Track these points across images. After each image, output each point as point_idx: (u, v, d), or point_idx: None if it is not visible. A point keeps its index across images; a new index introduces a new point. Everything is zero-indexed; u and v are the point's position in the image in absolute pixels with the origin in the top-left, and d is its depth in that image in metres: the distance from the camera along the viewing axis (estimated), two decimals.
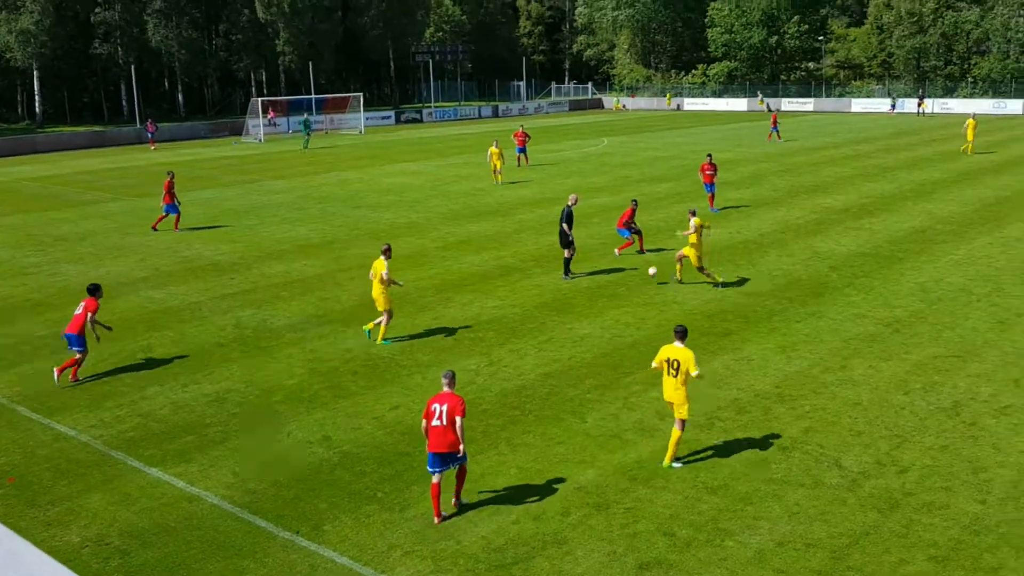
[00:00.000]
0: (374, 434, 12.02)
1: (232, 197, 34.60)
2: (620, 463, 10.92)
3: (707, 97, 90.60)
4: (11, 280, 21.68)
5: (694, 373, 10.43)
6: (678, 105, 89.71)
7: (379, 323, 15.71)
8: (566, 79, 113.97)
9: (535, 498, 10.13)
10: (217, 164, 47.37)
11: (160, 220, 27.66)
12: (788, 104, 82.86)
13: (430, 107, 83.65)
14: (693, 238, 18.49)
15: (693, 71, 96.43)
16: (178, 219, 27.76)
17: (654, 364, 10.91)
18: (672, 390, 10.62)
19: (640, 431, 11.87)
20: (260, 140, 60.84)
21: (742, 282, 19.39)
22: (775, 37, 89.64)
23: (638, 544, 9.10)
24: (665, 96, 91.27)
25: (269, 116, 66.52)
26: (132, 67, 72.28)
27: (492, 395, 13.23)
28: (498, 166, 35.18)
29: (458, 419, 9.37)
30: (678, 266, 19.35)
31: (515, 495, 10.24)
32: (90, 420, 12.81)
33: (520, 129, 38.71)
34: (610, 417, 12.32)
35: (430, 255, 23.03)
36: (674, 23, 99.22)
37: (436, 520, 9.64)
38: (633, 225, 22.02)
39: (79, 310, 14.37)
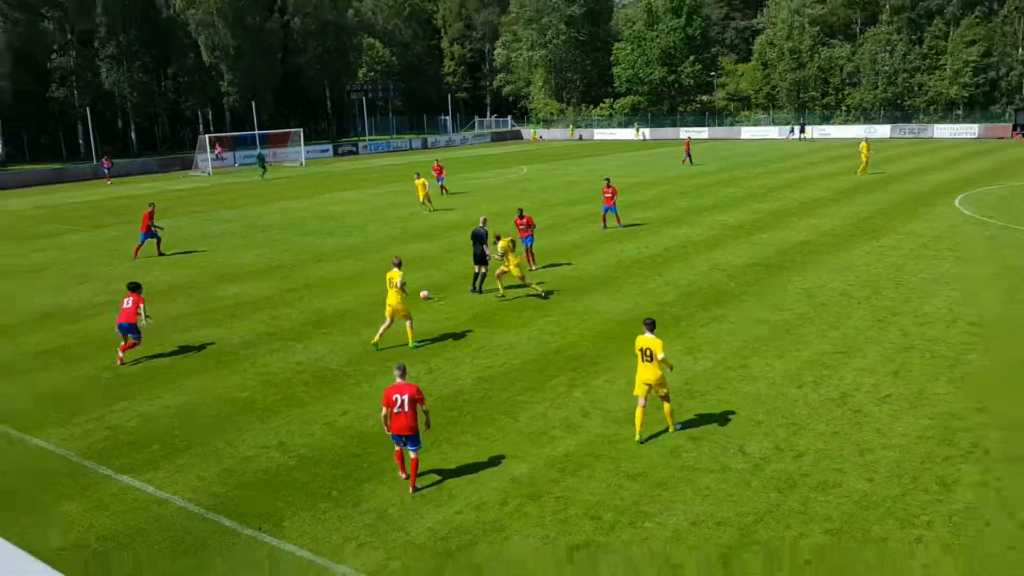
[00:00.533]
0: (326, 438, 11.85)
1: (185, 227, 33.69)
2: (550, 456, 10.99)
3: (614, 128, 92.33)
4: None
5: (660, 356, 11.05)
6: (580, 136, 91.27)
7: (388, 327, 15.52)
8: (488, 113, 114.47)
9: (475, 490, 10.12)
10: (169, 196, 46.06)
11: (138, 248, 27.21)
12: (685, 132, 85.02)
13: (365, 140, 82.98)
14: (511, 260, 18.96)
15: (601, 104, 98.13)
16: (159, 243, 27.56)
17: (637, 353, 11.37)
18: (650, 373, 11.16)
19: (566, 427, 11.96)
20: (208, 173, 59.45)
21: (550, 295, 19.62)
22: (673, 74, 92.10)
23: (569, 528, 9.17)
24: (569, 128, 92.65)
25: (216, 151, 65.05)
26: (87, 108, 70.00)
27: (432, 399, 13.14)
28: (423, 196, 34.58)
29: (419, 407, 10.01)
30: (499, 283, 19.68)
31: (457, 488, 10.21)
32: (62, 434, 12.37)
33: (436, 163, 38.22)
34: (539, 416, 12.38)
35: (371, 275, 22.80)
36: (583, 62, 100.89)
37: (401, 474, 10.40)
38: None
39: (128, 304, 15.71)
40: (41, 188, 54.93)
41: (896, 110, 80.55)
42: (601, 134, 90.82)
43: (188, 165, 63.29)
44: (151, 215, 27.54)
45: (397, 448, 10.35)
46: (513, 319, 17.74)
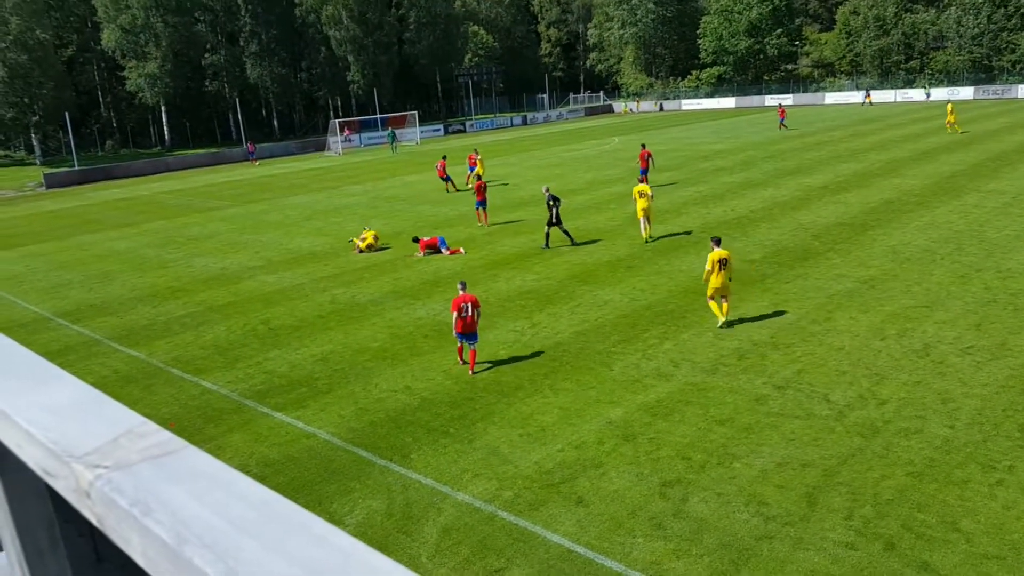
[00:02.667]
0: (443, 383, 12.16)
1: (320, 200, 34.94)
2: (642, 402, 10.90)
3: (701, 98, 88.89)
4: (156, 272, 22.25)
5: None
6: (630, 108, 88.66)
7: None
8: (581, 89, 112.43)
9: (575, 431, 10.17)
10: (306, 175, 47.80)
11: (451, 184, 32.97)
12: (771, 100, 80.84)
13: (472, 119, 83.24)
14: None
15: (688, 76, 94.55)
16: (453, 183, 33.14)
17: (708, 267, 13.03)
18: (723, 282, 13.06)
19: (657, 376, 11.81)
20: (339, 153, 61.18)
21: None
22: (758, 45, 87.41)
23: (661, 467, 9.09)
24: (630, 104, 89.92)
25: (345, 134, 66.78)
26: (236, 99, 73.27)
27: (535, 350, 13.27)
28: (480, 172, 32.50)
29: (477, 310, 11.99)
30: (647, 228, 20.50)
31: (559, 429, 10.29)
32: (227, 377, 13.20)
33: (474, 152, 36.54)
34: (632, 366, 12.27)
35: (478, 240, 23.06)
36: (671, 37, 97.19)
37: (459, 362, 12.45)
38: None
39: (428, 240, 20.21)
40: (201, 169, 58.06)
41: (981, 71, 73.85)
42: (688, 104, 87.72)
43: (322, 147, 65.34)
44: (444, 165, 33.53)
45: (459, 344, 12.39)
46: (607, 277, 17.61)
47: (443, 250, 21.18)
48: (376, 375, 12.75)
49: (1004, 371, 10.98)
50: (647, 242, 20.41)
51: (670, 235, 21.59)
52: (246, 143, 62.75)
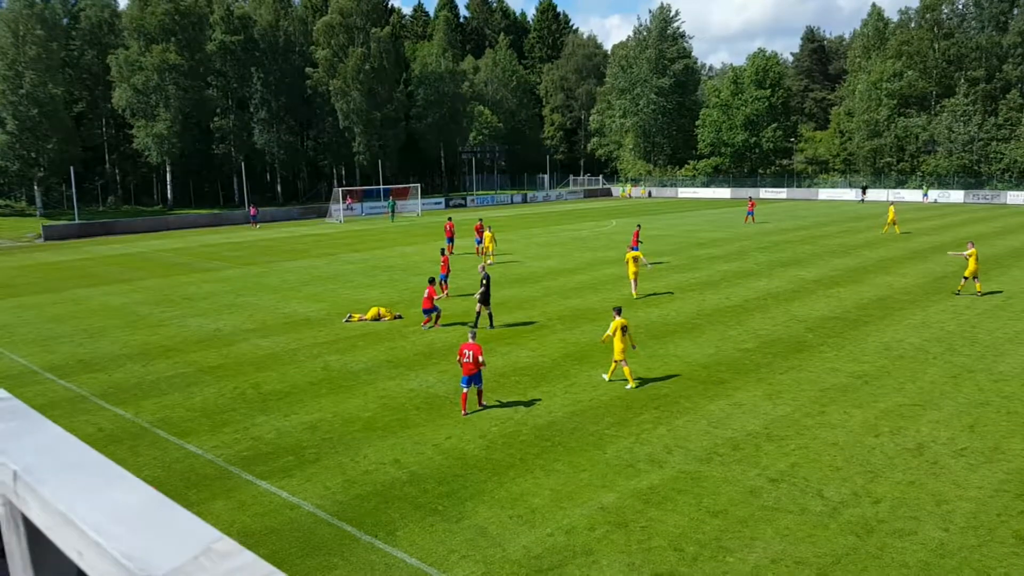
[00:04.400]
0: (434, 458, 12.03)
1: (320, 266, 35.23)
2: (635, 488, 10.79)
3: (697, 187, 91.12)
4: (149, 329, 22.21)
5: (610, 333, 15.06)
6: (650, 192, 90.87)
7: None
8: (581, 172, 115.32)
9: (565, 515, 10.03)
10: (306, 240, 48.32)
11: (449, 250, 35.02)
12: (765, 193, 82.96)
13: (473, 195, 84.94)
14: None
15: (686, 165, 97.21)
16: (451, 248, 35.94)
17: (609, 333, 15.04)
18: (625, 347, 15.01)
19: (651, 462, 11.72)
20: (340, 221, 62.01)
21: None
22: (754, 138, 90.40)
23: (653, 557, 8.94)
24: (623, 189, 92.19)
25: (348, 202, 67.84)
26: (242, 163, 74.70)
27: (528, 429, 13.19)
28: (490, 248, 34.09)
29: (480, 358, 13.54)
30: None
31: (549, 512, 10.14)
32: (213, 441, 13.02)
33: (479, 222, 37.63)
34: (625, 450, 12.19)
35: (467, 314, 23.18)
36: (670, 127, 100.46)
37: (463, 414, 13.64)
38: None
39: (426, 294, 20.76)
40: (202, 229, 58.64)
41: (970, 176, 76.25)
42: (685, 192, 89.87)
43: (323, 213, 66.31)
44: (451, 227, 37.07)
45: (464, 391, 13.67)
46: (602, 358, 17.63)
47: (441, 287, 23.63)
48: (365, 446, 12.61)
49: (998, 475, 10.94)
50: (636, 298, 24.65)
51: (665, 321, 21.78)
52: (248, 206, 63.72)
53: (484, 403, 14.18)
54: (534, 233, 49.37)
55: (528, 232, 49.82)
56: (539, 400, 14.81)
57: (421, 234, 50.53)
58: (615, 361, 15.40)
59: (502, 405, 14.58)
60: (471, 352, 13.61)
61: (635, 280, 25.35)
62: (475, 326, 20.90)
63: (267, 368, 17.72)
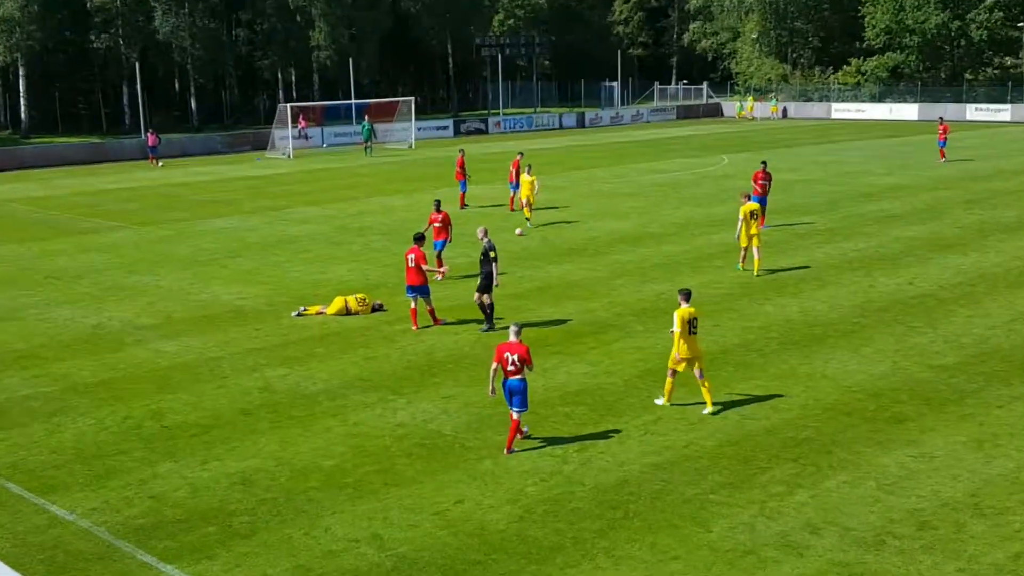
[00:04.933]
0: (436, 534, 12.06)
1: (256, 227, 35.56)
2: None
3: (862, 102, 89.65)
4: None
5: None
6: (784, 110, 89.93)
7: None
8: (674, 79, 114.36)
9: None
10: (237, 186, 48.77)
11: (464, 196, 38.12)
12: (976, 112, 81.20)
13: (498, 115, 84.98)
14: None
15: (844, 68, 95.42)
16: (463, 197, 38.22)
17: (676, 329, 15.75)
18: (696, 347, 15.83)
19: (785, 547, 11.62)
20: (289, 156, 62.52)
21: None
22: (957, 22, 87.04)
23: None
24: (772, 102, 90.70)
25: (301, 126, 68.37)
26: (136, 64, 74.92)
27: (585, 490, 13.15)
28: (531, 199, 34.17)
29: (527, 368, 14.42)
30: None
31: None
32: (92, 502, 13.18)
33: (519, 157, 37.70)
34: (743, 527, 12.10)
35: (500, 303, 23.16)
36: (819, 5, 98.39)
37: (507, 451, 14.45)
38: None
39: (410, 263, 20.80)
40: (75, 168, 59.46)
41: None
42: (842, 110, 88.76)
43: (262, 144, 66.89)
44: (463, 161, 38.18)
45: (514, 416, 14.43)
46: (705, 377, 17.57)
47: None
48: (328, 513, 12.68)
49: None
50: (739, 268, 25.95)
51: (807, 319, 21.61)
52: (146, 132, 64.46)
53: (512, 447, 14.63)
54: (596, 176, 49.15)
55: (587, 175, 49.66)
56: (603, 444, 14.77)
57: (415, 176, 50.60)
58: (672, 370, 16.11)
59: (542, 443, 14.59)
60: (516, 355, 14.33)
61: (756, 250, 25.44)
62: (490, 324, 21.05)
63: (175, 387, 17.88)
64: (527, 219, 33.72)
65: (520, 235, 31.01)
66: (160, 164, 59.39)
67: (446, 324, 21.56)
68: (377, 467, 14.08)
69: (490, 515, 12.50)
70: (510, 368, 14.37)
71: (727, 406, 16.20)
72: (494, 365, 14.54)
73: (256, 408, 16.66)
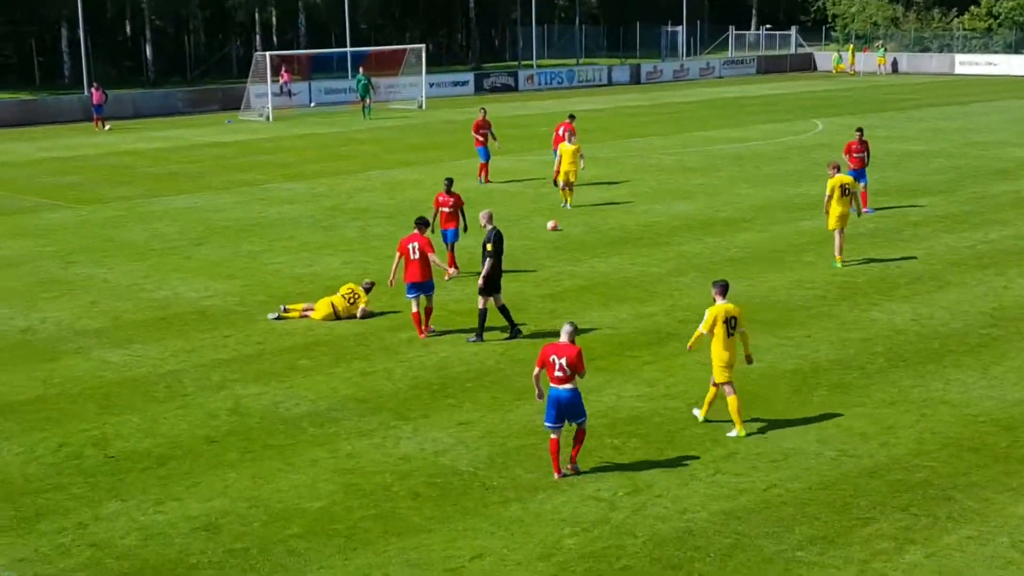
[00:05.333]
0: None
1: (226, 207, 35.74)
2: None
3: (994, 53, 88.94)
4: None
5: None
6: (894, 63, 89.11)
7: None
8: (753, 23, 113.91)
9: None
10: (203, 155, 49.02)
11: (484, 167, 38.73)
12: None
13: (530, 67, 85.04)
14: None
15: (972, 8, 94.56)
16: (485, 168, 38.78)
17: (703, 331, 16.23)
18: (733, 357, 16.16)
19: None
20: (267, 118, 62.80)
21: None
22: None
23: None
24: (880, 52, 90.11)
25: (283, 79, 68.69)
26: (78, 1, 75.25)
27: (638, 544, 13.09)
28: (571, 176, 33.82)
29: (578, 377, 14.66)
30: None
31: None
32: (19, 550, 13.19)
33: (569, 120, 37.37)
34: None
35: (532, 306, 23.11)
36: None
37: (556, 476, 14.73)
38: None
39: (413, 254, 20.64)
40: (1, 131, 59.69)
41: None
42: (967, 63, 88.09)
43: (235, 103, 67.17)
44: (484, 122, 38.69)
45: (552, 436, 14.66)
46: (789, 403, 17.51)
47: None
48: (313, 568, 12.67)
49: None
50: (841, 266, 25.82)
51: (921, 328, 21.53)
52: (89, 87, 64.71)
53: (577, 465, 15.05)
54: (654, 146, 49.11)
55: (643, 145, 49.64)
56: (660, 486, 14.67)
57: (426, 144, 50.72)
58: (715, 384, 16.48)
59: (584, 482, 14.55)
60: (565, 359, 14.61)
61: (838, 234, 26.14)
62: (516, 331, 21.11)
63: (123, 408, 17.94)
64: (565, 202, 33.63)
65: (554, 229, 30.73)
66: (107, 127, 59.66)
67: (433, 334, 21.57)
68: (375, 511, 14.04)
69: (517, 574, 12.47)
70: (557, 374, 14.56)
71: (819, 439, 16.11)
72: (536, 370, 14.93)
73: (224, 435, 16.67)
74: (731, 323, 16.10)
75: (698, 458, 15.52)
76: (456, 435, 16.51)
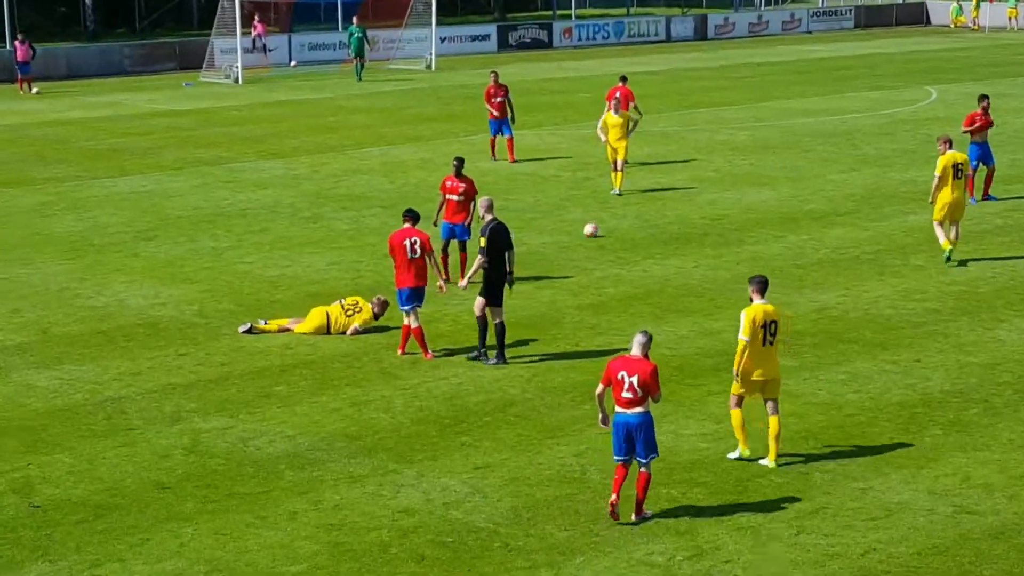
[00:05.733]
0: None
1: (183, 191, 35.86)
2: None
3: None
4: None
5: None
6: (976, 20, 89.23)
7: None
8: None
9: None
10: (154, 125, 49.20)
11: (508, 147, 38.40)
12: None
13: (567, 18, 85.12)
14: None
15: None
16: (511, 144, 38.72)
17: (745, 337, 16.46)
18: (773, 366, 16.79)
19: None
20: (236, 80, 63.13)
21: None
22: None
23: None
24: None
25: (255, 33, 68.82)
26: None
27: None
28: (620, 153, 33.84)
29: (651, 398, 14.98)
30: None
31: None
32: None
33: (622, 83, 37.22)
34: None
35: (568, 319, 23.15)
36: None
37: (611, 505, 14.77)
38: None
39: (413, 253, 20.80)
40: None
41: None
42: None
43: (193, 61, 67.52)
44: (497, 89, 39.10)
45: (618, 463, 14.95)
46: (892, 444, 17.48)
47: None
48: None
49: None
50: (948, 259, 25.99)
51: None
52: (12, 40, 65.08)
53: (644, 511, 15.18)
54: (725, 119, 49.31)
55: (710, 117, 49.75)
56: (730, 547, 14.58)
57: (436, 115, 50.71)
58: (736, 397, 17.12)
59: (635, 540, 14.57)
60: (636, 376, 14.90)
61: (953, 223, 25.94)
62: (499, 355, 21.09)
63: (53, 445, 17.92)
64: (615, 189, 33.63)
65: (593, 235, 29.76)
66: (35, 90, 59.98)
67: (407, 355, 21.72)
68: None
69: None
70: (625, 395, 14.82)
71: (932, 492, 16.03)
72: (600, 388, 15.26)
73: (179, 480, 16.63)
74: (769, 328, 16.51)
75: (777, 513, 15.43)
76: (471, 482, 16.44)
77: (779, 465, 16.50)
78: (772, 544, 14.71)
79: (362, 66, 61.98)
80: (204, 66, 65.34)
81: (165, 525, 15.36)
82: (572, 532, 14.78)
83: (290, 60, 70.06)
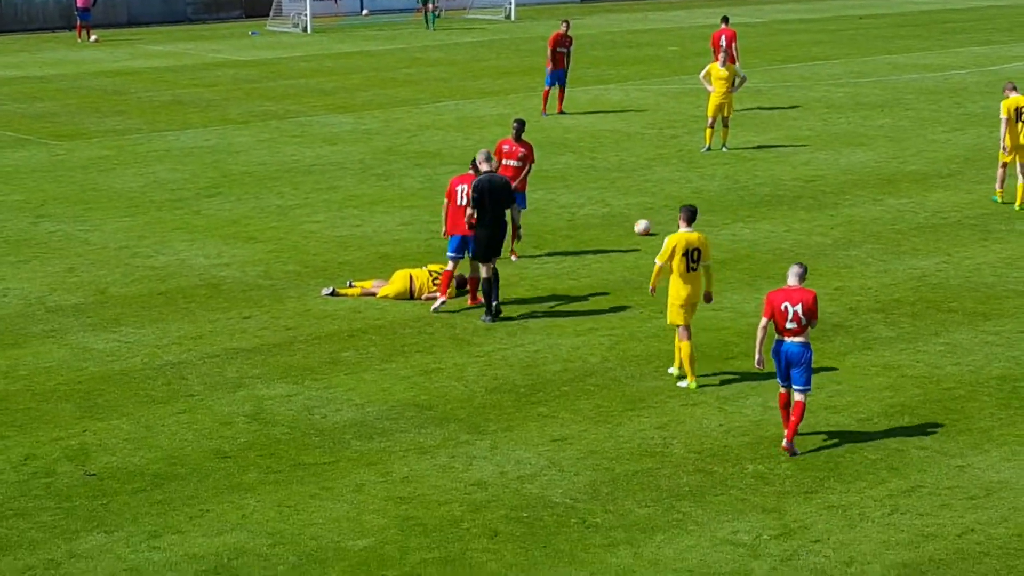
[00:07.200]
0: None
1: (249, 146, 36.06)
2: None
3: None
4: None
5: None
6: None
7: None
8: None
9: None
10: (219, 77, 49.41)
11: (559, 97, 39.73)
12: None
13: None
14: None
15: None
16: (562, 95, 40.09)
17: (660, 262, 18.25)
18: (698, 289, 18.43)
19: None
20: (305, 29, 63.23)
21: None
22: None
23: None
24: None
25: None
26: None
27: None
28: (725, 110, 33.79)
29: (812, 322, 16.13)
30: None
31: None
32: None
33: (725, 26, 36.73)
34: None
35: (637, 292, 23.12)
36: None
37: (785, 442, 16.26)
38: None
39: (463, 199, 21.56)
40: None
41: None
42: None
43: (262, 9, 67.67)
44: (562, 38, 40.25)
45: (782, 390, 16.34)
46: (993, 419, 17.41)
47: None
48: None
49: None
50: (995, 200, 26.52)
51: None
52: None
53: (792, 445, 16.44)
54: (821, 74, 48.94)
55: (806, 72, 49.40)
56: (820, 526, 14.49)
57: (515, 68, 50.42)
58: (682, 328, 18.62)
59: (718, 522, 14.48)
60: (800, 305, 16.03)
61: (1021, 170, 26.60)
62: (488, 312, 21.42)
63: (109, 410, 18.08)
64: (720, 144, 33.49)
65: (645, 233, 27.38)
66: (93, 38, 60.26)
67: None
68: (439, 554, 14.02)
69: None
70: (789, 325, 15.87)
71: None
72: (763, 321, 16.21)
73: (241, 449, 16.74)
74: (692, 255, 18.08)
75: (870, 491, 15.37)
76: (548, 455, 16.45)
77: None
78: (864, 524, 14.64)
79: (436, 15, 61.61)
80: (271, 14, 65.53)
81: (226, 496, 15.44)
82: (653, 508, 14.77)
83: (361, 8, 70.06)
